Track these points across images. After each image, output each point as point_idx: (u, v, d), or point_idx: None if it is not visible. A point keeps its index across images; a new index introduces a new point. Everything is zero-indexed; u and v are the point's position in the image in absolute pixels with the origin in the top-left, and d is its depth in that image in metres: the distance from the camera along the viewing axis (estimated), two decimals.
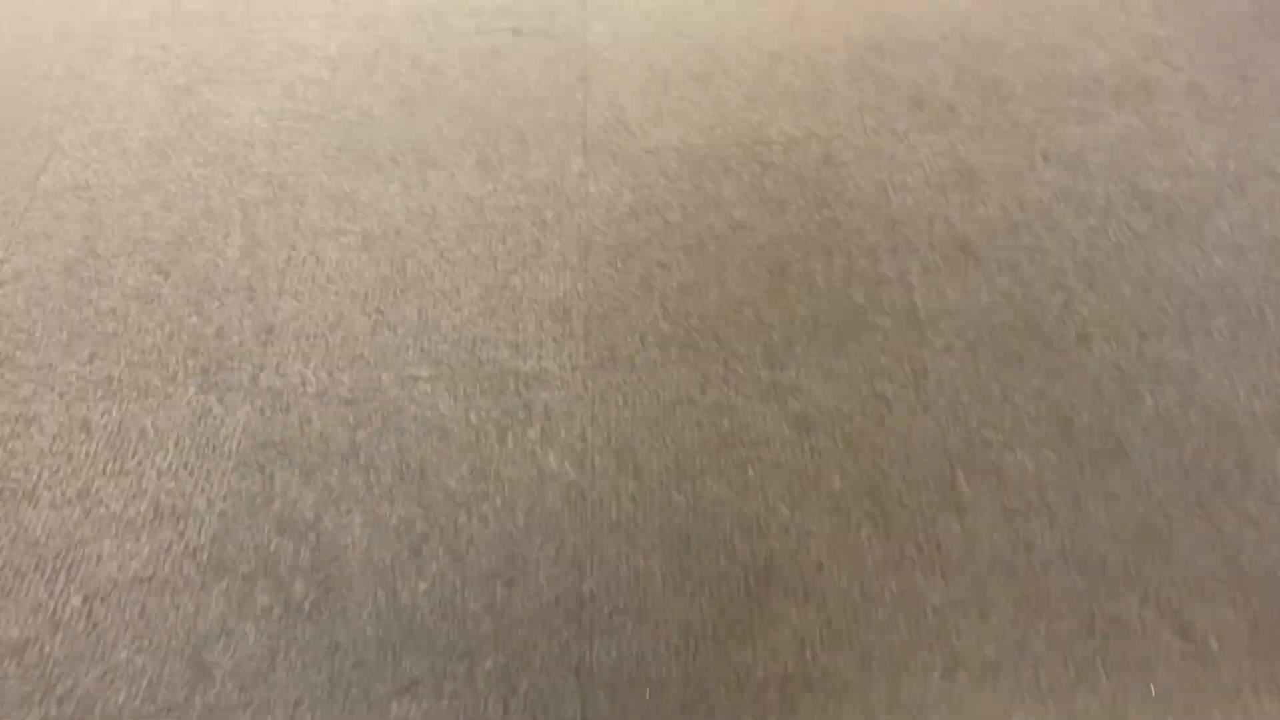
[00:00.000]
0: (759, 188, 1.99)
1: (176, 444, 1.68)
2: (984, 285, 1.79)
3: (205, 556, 1.55)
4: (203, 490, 1.62)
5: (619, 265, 1.88)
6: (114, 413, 1.73)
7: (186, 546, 1.56)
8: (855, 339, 1.74)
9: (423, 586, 1.51)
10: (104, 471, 1.65)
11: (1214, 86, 2.07)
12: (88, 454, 1.68)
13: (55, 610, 1.51)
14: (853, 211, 1.93)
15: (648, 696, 1.39)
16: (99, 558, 1.56)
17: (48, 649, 1.48)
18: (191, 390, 1.75)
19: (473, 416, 1.68)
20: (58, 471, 1.66)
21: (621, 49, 2.31)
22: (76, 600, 1.52)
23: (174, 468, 1.65)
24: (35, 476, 1.65)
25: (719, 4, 2.39)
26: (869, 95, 2.14)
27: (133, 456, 1.67)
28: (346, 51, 2.38)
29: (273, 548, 1.56)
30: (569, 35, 2.36)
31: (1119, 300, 1.75)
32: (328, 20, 2.46)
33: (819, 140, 2.06)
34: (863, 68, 2.20)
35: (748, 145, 2.07)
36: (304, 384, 1.74)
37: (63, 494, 1.63)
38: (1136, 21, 2.23)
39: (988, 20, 2.27)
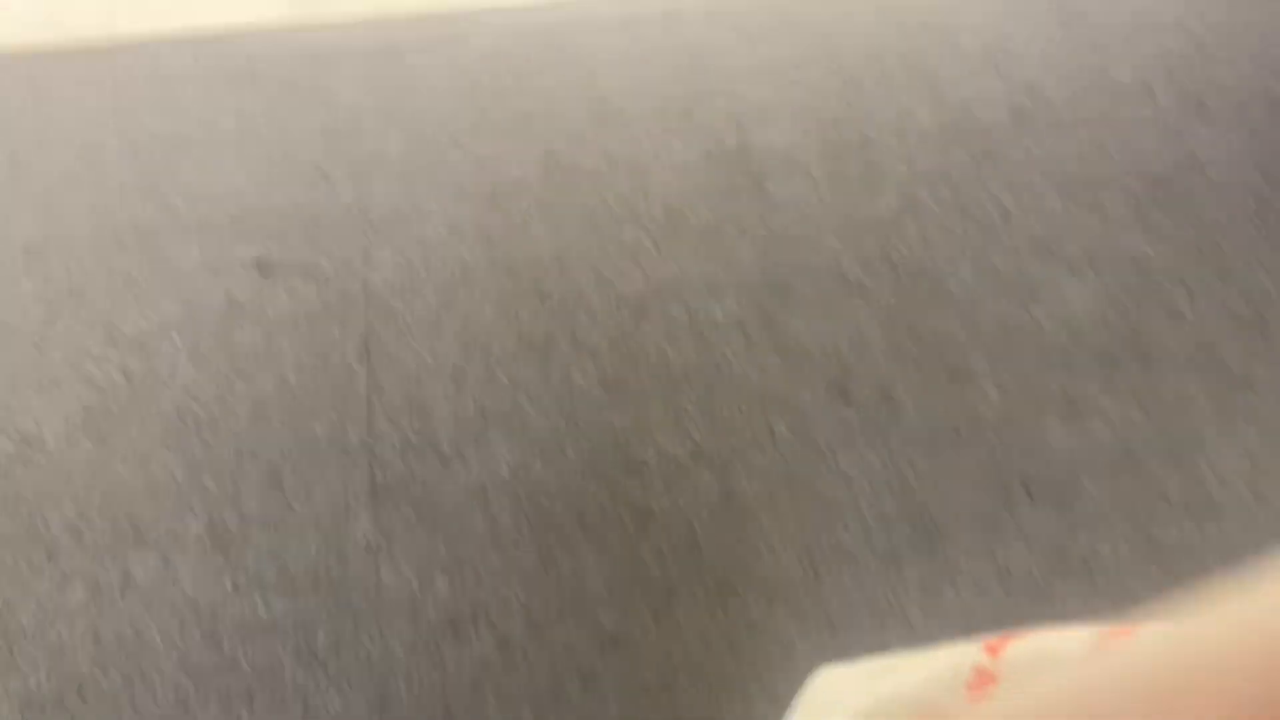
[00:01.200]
0: (636, 563, 1.36)
1: None
2: None
3: None
4: None
5: None
6: None
7: None
8: None
9: None
10: None
11: (1230, 348, 1.54)
12: None
13: None
14: (772, 609, 1.33)
15: None
16: None
17: None
18: None
19: None
20: None
21: (420, 295, 1.60)
22: None
23: None
24: None
25: (555, 213, 1.69)
26: (773, 376, 1.52)
27: None
28: (1, 314, 1.58)
29: None
30: (341, 271, 1.63)
31: None
32: None
33: (712, 466, 1.44)
34: (761, 323, 1.57)
35: (614, 478, 1.43)
36: None
37: None
38: (1115, 231, 1.66)
39: (922, 232, 1.67)
